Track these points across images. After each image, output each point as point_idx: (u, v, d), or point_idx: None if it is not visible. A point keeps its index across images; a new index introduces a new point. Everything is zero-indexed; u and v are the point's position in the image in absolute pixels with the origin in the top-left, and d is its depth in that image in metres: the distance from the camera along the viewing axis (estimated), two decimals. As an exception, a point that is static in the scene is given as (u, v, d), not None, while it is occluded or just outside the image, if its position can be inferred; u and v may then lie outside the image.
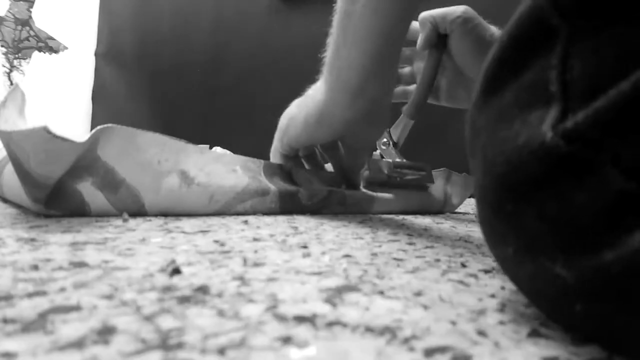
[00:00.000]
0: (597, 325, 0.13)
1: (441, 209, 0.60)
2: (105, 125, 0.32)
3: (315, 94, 0.43)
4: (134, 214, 0.34)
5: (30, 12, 2.00)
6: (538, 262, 0.13)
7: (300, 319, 0.14)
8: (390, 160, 0.55)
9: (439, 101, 0.59)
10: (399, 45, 0.39)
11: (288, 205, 0.43)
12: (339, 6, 0.37)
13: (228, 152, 0.94)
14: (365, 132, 0.45)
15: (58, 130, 0.27)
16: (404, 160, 0.58)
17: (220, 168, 0.39)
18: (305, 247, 0.26)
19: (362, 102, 0.40)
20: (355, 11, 0.35)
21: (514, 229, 0.14)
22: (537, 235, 0.13)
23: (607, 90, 0.11)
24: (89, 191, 0.31)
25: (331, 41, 0.39)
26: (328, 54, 0.40)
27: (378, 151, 0.57)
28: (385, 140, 0.58)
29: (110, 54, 1.99)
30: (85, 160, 0.31)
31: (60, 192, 0.30)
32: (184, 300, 0.15)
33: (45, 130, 0.27)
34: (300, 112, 0.45)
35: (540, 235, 0.13)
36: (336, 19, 0.37)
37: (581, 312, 0.12)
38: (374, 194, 0.52)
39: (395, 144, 0.59)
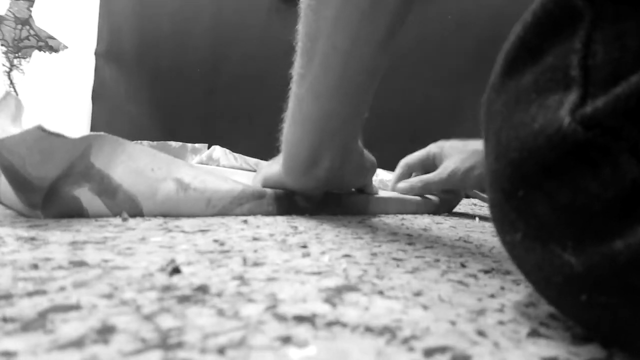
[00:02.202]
0: (600, 316, 0.12)
1: (437, 209, 0.60)
2: (96, 133, 0.32)
3: (278, 161, 0.44)
4: (133, 216, 0.34)
5: (31, 11, 2.00)
6: (547, 248, 0.13)
7: (300, 319, 0.14)
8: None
9: None
10: (350, 122, 0.39)
11: (285, 207, 0.43)
12: (292, 87, 0.38)
13: (227, 150, 0.94)
14: (342, 185, 0.46)
15: (52, 127, 0.27)
16: None
17: (214, 178, 0.39)
18: (304, 246, 0.26)
19: (317, 171, 0.40)
20: (300, 94, 0.37)
21: (524, 214, 0.13)
22: (547, 221, 0.13)
23: (628, 77, 0.11)
24: (87, 197, 0.31)
25: (286, 116, 0.40)
26: (284, 127, 0.41)
27: None
28: None
29: (110, 54, 1.99)
30: (81, 167, 0.31)
31: (58, 198, 0.30)
32: (183, 299, 0.15)
33: (40, 129, 0.27)
34: (271, 177, 0.45)
35: (551, 222, 0.13)
36: (289, 97, 0.39)
37: (586, 301, 0.12)
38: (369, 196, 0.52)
39: None
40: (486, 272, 0.22)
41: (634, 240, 0.11)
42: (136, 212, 0.34)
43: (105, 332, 0.12)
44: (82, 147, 0.31)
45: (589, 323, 0.13)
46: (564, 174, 0.12)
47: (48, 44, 2.03)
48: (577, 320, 0.14)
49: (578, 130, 0.12)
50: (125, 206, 0.33)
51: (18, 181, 0.29)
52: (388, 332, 0.13)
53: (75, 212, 0.31)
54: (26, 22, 1.99)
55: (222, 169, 0.81)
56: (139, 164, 0.34)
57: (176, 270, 0.18)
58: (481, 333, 0.14)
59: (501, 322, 0.15)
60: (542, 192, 0.13)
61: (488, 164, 0.15)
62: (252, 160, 0.93)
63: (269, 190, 0.42)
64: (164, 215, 0.35)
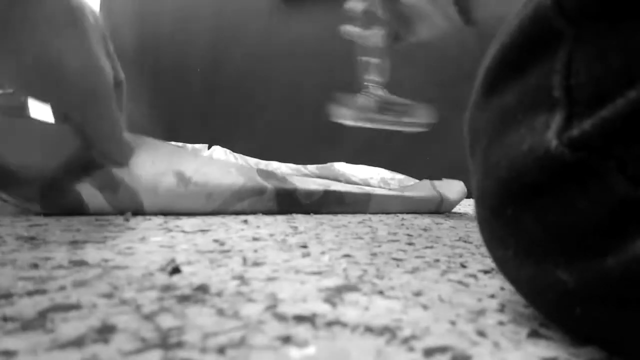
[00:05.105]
0: (595, 329, 0.13)
1: (439, 208, 0.60)
2: None
3: None
4: (134, 213, 0.34)
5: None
6: (538, 265, 0.13)
7: (300, 319, 0.14)
8: (372, 90, 0.46)
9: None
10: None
11: (286, 204, 0.43)
12: None
13: (228, 150, 0.94)
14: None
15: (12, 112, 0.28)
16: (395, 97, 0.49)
17: (216, 169, 0.39)
18: (304, 246, 0.26)
19: None
20: None
21: (513, 232, 0.13)
22: (537, 239, 0.13)
23: (613, 96, 0.11)
24: (88, 191, 0.31)
25: None
26: None
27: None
28: (370, 78, 0.49)
29: (110, 54, 1.98)
30: (83, 161, 0.31)
31: (58, 192, 0.30)
32: (183, 299, 0.15)
33: (5, 114, 0.27)
34: None
35: (541, 240, 0.13)
36: None
37: (581, 315, 0.12)
38: (371, 192, 0.51)
39: (379, 83, 0.49)
40: (486, 272, 0.22)
41: (625, 257, 0.11)
42: (137, 206, 0.34)
43: (105, 332, 0.12)
44: (69, 137, 0.30)
45: (585, 334, 0.13)
46: (553, 193, 0.12)
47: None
48: (573, 332, 0.14)
49: (566, 152, 0.12)
50: (126, 201, 0.33)
51: (5, 177, 0.29)
52: (388, 332, 0.13)
53: (76, 207, 0.31)
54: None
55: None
56: (141, 157, 0.34)
57: (176, 270, 0.18)
58: (481, 333, 0.14)
59: (501, 323, 0.15)
60: (531, 210, 0.13)
61: (476, 181, 0.15)
62: (253, 160, 0.93)
63: (269, 186, 0.42)
64: (165, 213, 0.35)
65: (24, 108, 0.38)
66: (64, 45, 0.28)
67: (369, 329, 0.13)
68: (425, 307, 0.16)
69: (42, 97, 0.30)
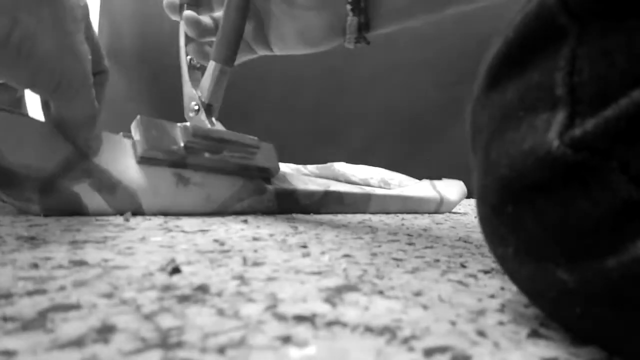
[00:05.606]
0: (596, 329, 0.13)
1: (439, 208, 0.60)
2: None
3: None
4: (133, 213, 0.34)
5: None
6: (539, 264, 0.13)
7: (300, 319, 0.14)
8: (188, 124, 0.36)
9: (269, 46, 0.42)
10: None
11: (286, 204, 0.43)
12: None
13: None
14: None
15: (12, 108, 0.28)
16: (222, 129, 0.38)
17: (214, 171, 0.39)
18: (304, 246, 0.26)
19: None
20: None
21: (514, 230, 0.13)
22: (538, 238, 0.13)
23: (617, 95, 0.11)
24: (86, 192, 0.31)
25: None
26: None
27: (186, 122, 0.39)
28: (194, 103, 0.40)
29: (110, 54, 1.98)
30: (81, 164, 0.31)
31: (57, 193, 0.30)
32: (183, 299, 0.15)
33: (4, 110, 0.27)
34: None
35: (542, 239, 0.13)
36: None
37: (581, 314, 0.12)
38: (371, 192, 0.52)
39: (208, 107, 0.39)
40: (486, 272, 0.22)
41: (626, 258, 0.11)
42: (136, 207, 0.34)
43: (105, 332, 0.12)
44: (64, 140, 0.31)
45: (585, 334, 0.13)
46: (554, 193, 0.12)
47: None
48: (573, 331, 0.14)
49: (568, 152, 0.12)
50: (125, 202, 0.33)
51: (5, 176, 0.29)
52: (388, 332, 0.13)
53: (75, 208, 0.31)
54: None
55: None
56: (135, 159, 0.35)
57: (176, 270, 0.18)
58: (481, 333, 0.14)
59: (501, 323, 0.15)
60: (532, 209, 0.13)
61: (477, 178, 0.15)
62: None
63: (269, 187, 0.42)
64: (164, 214, 0.35)
65: (19, 103, 0.38)
66: (37, 23, 0.26)
67: (369, 329, 0.13)
68: (425, 307, 0.16)
69: (12, 77, 0.28)
